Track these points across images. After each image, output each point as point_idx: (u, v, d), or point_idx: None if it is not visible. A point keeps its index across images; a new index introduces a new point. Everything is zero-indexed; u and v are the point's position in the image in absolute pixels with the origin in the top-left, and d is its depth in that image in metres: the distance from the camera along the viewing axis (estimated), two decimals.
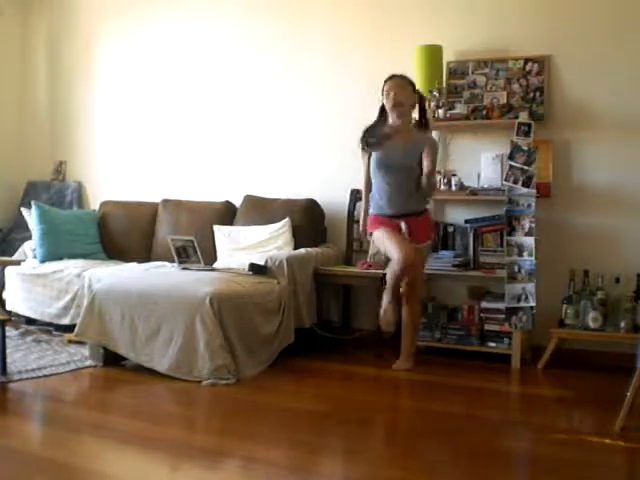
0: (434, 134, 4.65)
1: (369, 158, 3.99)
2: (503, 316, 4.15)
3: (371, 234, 4.06)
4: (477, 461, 2.72)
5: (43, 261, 5.12)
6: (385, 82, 3.94)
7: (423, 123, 4.03)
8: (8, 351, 3.78)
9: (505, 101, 4.42)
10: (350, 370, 4.12)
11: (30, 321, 5.02)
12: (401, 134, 3.92)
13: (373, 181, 4.01)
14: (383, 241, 3.92)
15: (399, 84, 3.90)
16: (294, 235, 4.72)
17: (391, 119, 3.94)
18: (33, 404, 3.50)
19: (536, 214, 4.08)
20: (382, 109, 3.98)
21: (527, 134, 4.10)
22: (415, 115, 4.03)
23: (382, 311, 3.88)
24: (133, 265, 4.94)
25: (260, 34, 5.28)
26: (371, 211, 4.06)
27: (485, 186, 4.31)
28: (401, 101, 3.88)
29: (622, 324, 3.95)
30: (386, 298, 3.87)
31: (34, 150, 6.28)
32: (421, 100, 4.03)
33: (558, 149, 4.34)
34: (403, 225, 3.93)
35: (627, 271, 4.08)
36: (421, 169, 3.90)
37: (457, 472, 2.65)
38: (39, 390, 3.58)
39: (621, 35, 4.22)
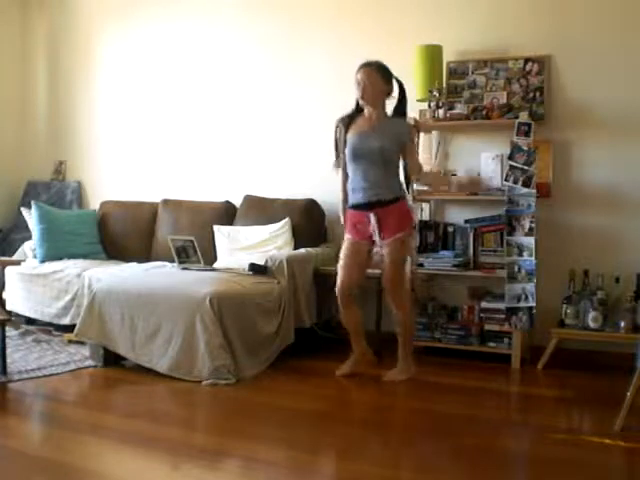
0: (434, 134, 4.66)
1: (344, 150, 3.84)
2: (503, 316, 4.15)
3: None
4: (477, 461, 2.72)
5: (43, 261, 5.12)
6: (357, 71, 3.78)
7: (399, 111, 3.83)
8: (8, 351, 3.79)
9: (505, 101, 4.42)
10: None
11: (30, 321, 5.03)
12: (372, 120, 3.77)
13: (349, 172, 3.82)
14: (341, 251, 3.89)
15: (368, 74, 3.73)
16: (294, 235, 4.72)
17: (365, 110, 3.80)
18: (33, 404, 3.49)
19: (536, 214, 4.07)
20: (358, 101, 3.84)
21: (527, 134, 4.10)
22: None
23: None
24: (133, 265, 4.94)
25: (260, 34, 5.28)
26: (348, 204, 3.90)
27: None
28: (370, 92, 3.73)
29: (622, 324, 3.95)
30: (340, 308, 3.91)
31: (34, 150, 6.28)
32: (401, 89, 3.84)
33: (558, 149, 4.34)
34: (372, 219, 3.71)
35: (627, 271, 4.08)
36: (399, 156, 3.77)
37: (457, 472, 2.65)
38: (39, 390, 3.58)
39: (621, 35, 4.22)
